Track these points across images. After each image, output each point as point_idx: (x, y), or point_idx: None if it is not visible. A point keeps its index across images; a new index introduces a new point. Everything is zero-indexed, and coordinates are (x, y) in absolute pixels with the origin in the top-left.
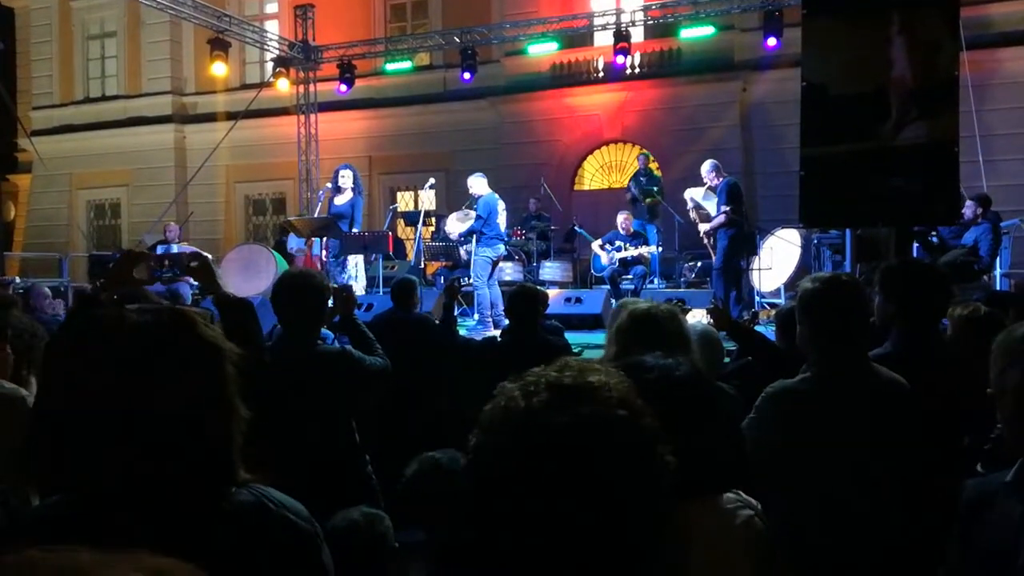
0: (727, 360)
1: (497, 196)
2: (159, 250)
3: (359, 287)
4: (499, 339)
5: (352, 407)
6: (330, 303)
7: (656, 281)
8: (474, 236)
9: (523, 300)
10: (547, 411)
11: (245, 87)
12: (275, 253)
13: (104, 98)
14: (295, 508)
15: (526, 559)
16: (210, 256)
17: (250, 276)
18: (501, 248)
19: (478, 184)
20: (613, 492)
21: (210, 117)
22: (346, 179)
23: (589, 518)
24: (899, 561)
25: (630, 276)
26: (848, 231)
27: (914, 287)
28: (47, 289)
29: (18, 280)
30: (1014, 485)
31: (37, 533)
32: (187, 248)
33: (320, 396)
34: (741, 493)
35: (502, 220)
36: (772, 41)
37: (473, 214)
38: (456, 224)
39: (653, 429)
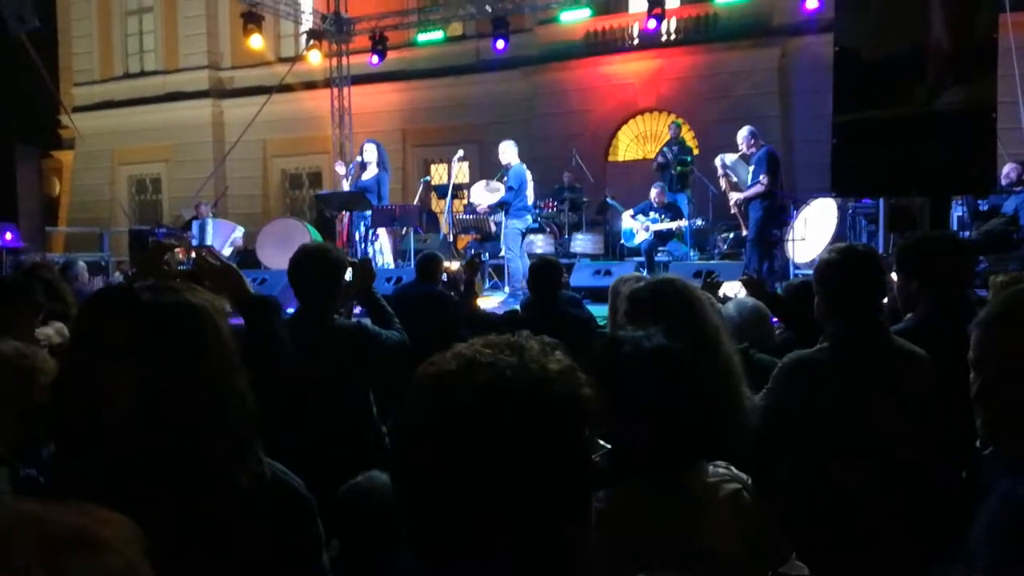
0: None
1: (525, 166)
2: (194, 226)
3: (386, 259)
4: (520, 312)
5: (369, 380)
6: (348, 276)
7: (690, 252)
8: (503, 208)
9: (543, 273)
10: (445, 385)
11: (280, 61)
12: (309, 226)
13: (143, 74)
14: (296, 479)
15: (427, 525)
16: (213, 248)
17: (285, 249)
18: (529, 219)
19: (509, 151)
20: (497, 476)
21: (246, 91)
22: (370, 153)
23: (477, 496)
24: (911, 528)
25: (666, 249)
26: (881, 200)
27: (933, 259)
28: (83, 264)
29: (56, 256)
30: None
31: (75, 491)
32: (222, 223)
33: (336, 369)
34: (732, 468)
35: (531, 191)
36: (812, 2)
37: (500, 186)
38: (484, 195)
39: (556, 423)
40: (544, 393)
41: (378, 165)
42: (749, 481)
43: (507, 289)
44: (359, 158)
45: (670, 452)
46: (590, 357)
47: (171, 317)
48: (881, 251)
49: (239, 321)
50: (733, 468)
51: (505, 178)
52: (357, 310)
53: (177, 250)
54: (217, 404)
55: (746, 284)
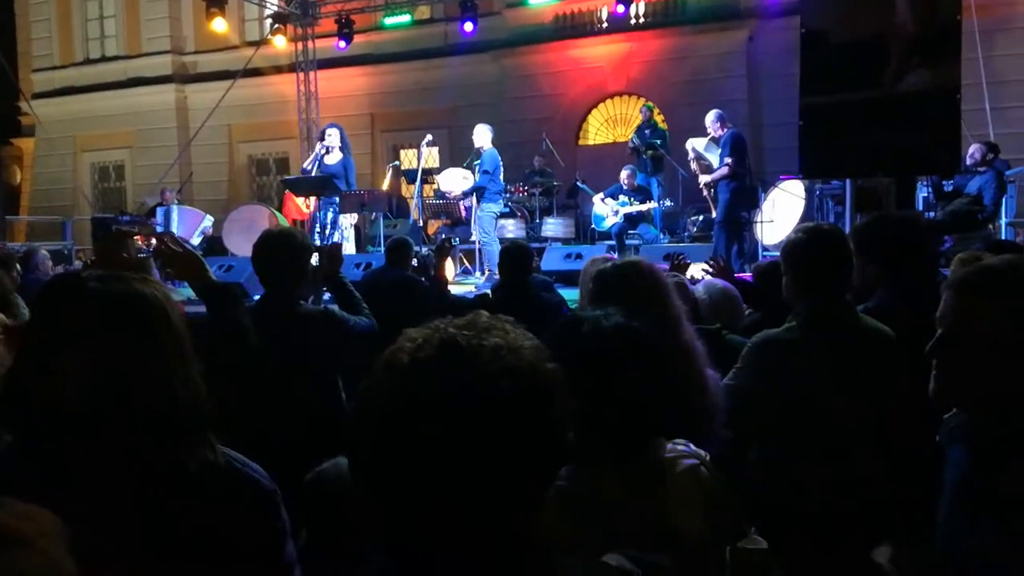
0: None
1: (496, 151)
2: (159, 213)
3: (349, 247)
4: (491, 296)
5: (336, 366)
6: (314, 261)
7: (660, 235)
8: (479, 192)
9: (513, 257)
10: (426, 369)
11: (246, 44)
12: (277, 213)
13: (104, 59)
14: (258, 469)
15: (400, 513)
16: (175, 234)
17: (252, 235)
18: (502, 203)
19: (482, 135)
20: (477, 460)
21: (211, 76)
22: (333, 138)
23: (459, 482)
24: (879, 504)
25: (636, 232)
26: (848, 182)
27: (890, 241)
28: (45, 252)
29: (18, 245)
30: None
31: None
32: (188, 211)
33: (303, 356)
34: (691, 444)
35: (501, 176)
36: None
37: (469, 173)
38: (455, 182)
39: (540, 401)
40: (525, 373)
41: (342, 150)
42: (707, 457)
43: (479, 274)
44: (322, 145)
45: (628, 429)
46: (550, 336)
47: (116, 305)
48: (848, 232)
49: (202, 308)
50: (692, 445)
51: (477, 162)
52: (327, 296)
53: (137, 238)
54: (164, 392)
55: (711, 267)
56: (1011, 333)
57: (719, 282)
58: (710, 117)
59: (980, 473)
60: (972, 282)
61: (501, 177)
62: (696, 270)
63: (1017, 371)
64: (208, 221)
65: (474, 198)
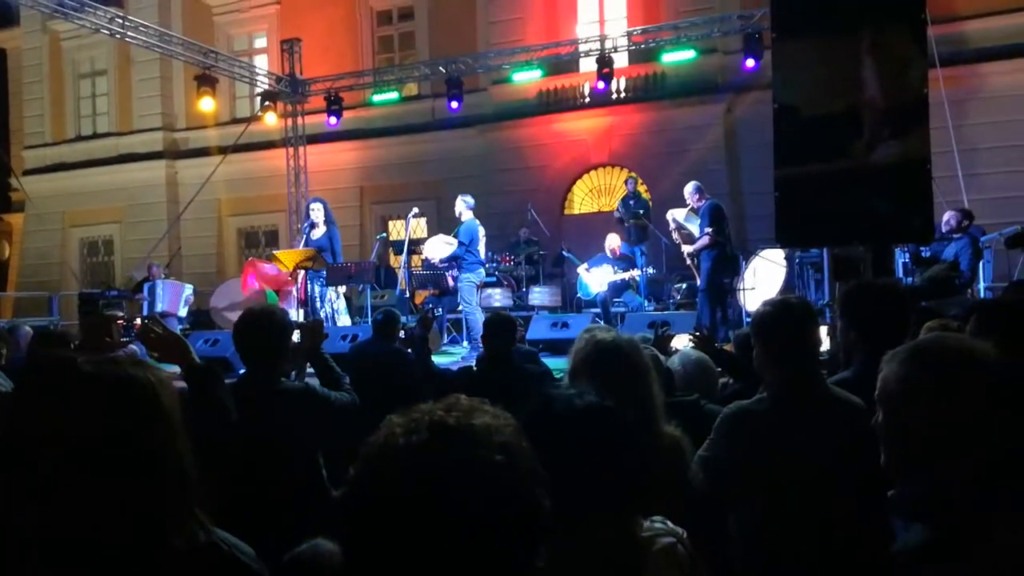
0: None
1: (478, 222)
2: (144, 288)
3: (344, 319)
4: (475, 368)
5: (317, 443)
6: (296, 338)
7: (645, 303)
8: (457, 262)
9: (497, 328)
10: (424, 452)
11: (236, 121)
12: (270, 292)
13: (96, 136)
14: (244, 549)
15: None
16: (160, 312)
17: (240, 309)
18: (482, 272)
19: (461, 205)
20: (483, 536)
21: (201, 152)
22: (317, 212)
23: (459, 559)
24: (853, 572)
25: (621, 301)
26: (825, 250)
27: (868, 307)
28: (28, 328)
29: (3, 321)
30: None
31: None
32: (171, 284)
33: (283, 433)
34: (668, 522)
35: (482, 246)
36: (751, 62)
37: (454, 240)
38: (439, 248)
39: (531, 474)
40: (516, 447)
41: (326, 223)
42: (684, 535)
43: (466, 344)
44: (308, 221)
45: (601, 507)
46: (524, 413)
47: (108, 387)
48: (827, 300)
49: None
50: (669, 522)
51: (456, 233)
52: (310, 370)
53: (118, 320)
54: (152, 474)
55: (695, 340)
56: (939, 410)
57: (693, 354)
58: (688, 188)
59: (931, 541)
60: (902, 365)
61: (480, 247)
62: (682, 342)
63: (947, 444)
64: (189, 290)
65: (457, 268)
